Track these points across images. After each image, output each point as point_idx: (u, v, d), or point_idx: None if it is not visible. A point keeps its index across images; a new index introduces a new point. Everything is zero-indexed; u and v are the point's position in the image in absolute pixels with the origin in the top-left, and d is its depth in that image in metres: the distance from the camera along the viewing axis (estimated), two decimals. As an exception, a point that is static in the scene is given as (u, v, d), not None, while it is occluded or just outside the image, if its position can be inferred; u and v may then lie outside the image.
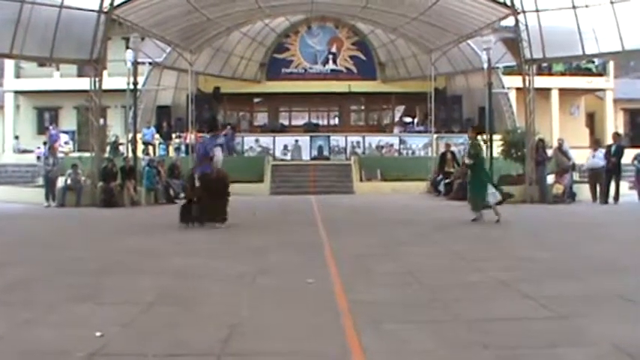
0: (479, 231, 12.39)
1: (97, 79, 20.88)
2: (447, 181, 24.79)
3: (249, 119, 39.54)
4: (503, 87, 32.31)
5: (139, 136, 25.89)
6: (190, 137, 29.52)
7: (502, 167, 22.70)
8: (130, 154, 22.89)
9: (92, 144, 21.40)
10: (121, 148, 29.18)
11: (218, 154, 13.19)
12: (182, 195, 24.33)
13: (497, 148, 22.53)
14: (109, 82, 24.51)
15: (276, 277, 7.30)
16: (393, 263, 8.19)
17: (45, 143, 28.90)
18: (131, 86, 22.93)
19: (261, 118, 40.28)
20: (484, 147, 14.33)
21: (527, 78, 21.66)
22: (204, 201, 13.12)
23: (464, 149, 30.77)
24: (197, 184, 13.14)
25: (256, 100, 40.17)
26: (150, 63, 31.80)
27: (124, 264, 8.43)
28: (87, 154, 22.87)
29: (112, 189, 20.60)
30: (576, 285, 6.60)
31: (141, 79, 28.54)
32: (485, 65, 23.02)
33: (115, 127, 34.97)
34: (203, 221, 13.05)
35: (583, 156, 22.56)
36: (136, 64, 23.01)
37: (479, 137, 14.07)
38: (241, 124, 37.70)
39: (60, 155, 26.27)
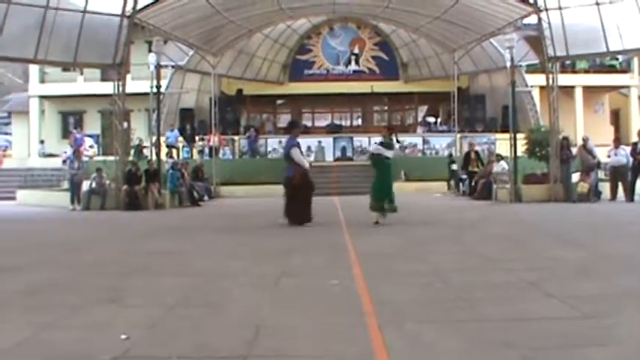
0: (504, 231, 12.33)
1: (120, 83, 21.02)
2: (463, 178, 24.79)
3: (272, 121, 39.62)
4: (527, 85, 32.12)
5: (162, 139, 26.03)
6: (214, 140, 29.64)
7: (526, 166, 22.56)
8: (154, 157, 23.01)
9: (116, 147, 21.55)
10: (145, 152, 29.33)
11: (295, 154, 13.57)
12: (206, 197, 24.65)
13: (521, 147, 22.39)
14: (132, 85, 24.70)
15: (300, 278, 7.29)
16: (417, 263, 8.15)
17: (71, 146, 29.08)
18: (154, 89, 23.07)
19: (285, 120, 40.30)
20: (396, 146, 14.23)
21: (550, 76, 21.51)
22: (291, 204, 13.54)
23: (487, 148, 30.85)
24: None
25: (279, 101, 40.27)
26: (172, 66, 31.99)
27: (148, 266, 8.46)
28: (111, 158, 23.04)
29: (136, 192, 20.73)
30: (603, 284, 6.53)
31: (164, 83, 28.68)
32: (509, 64, 22.89)
33: (139, 130, 35.25)
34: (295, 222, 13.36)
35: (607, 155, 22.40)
36: (158, 67, 23.15)
37: (392, 136, 13.88)
38: (265, 126, 37.78)
39: (85, 159, 26.49)
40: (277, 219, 13.65)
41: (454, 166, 26.99)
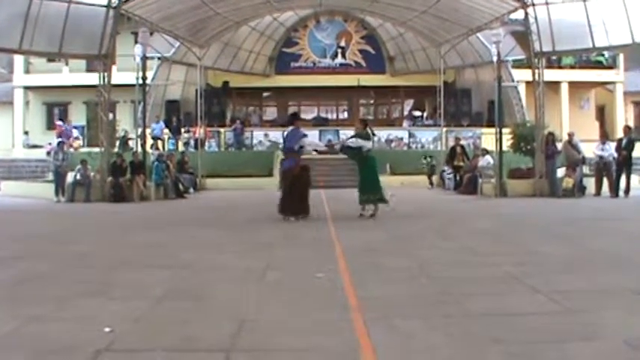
0: (489, 226, 12.37)
1: (105, 74, 20.88)
2: (449, 172, 24.89)
3: (258, 113, 39.56)
4: (513, 80, 32.20)
5: (148, 130, 25.91)
6: (199, 132, 29.56)
7: (511, 161, 22.66)
8: (139, 149, 22.92)
9: (101, 139, 21.42)
10: (130, 143, 29.25)
11: (309, 142, 13.92)
12: (191, 190, 24.61)
13: (507, 142, 22.46)
14: (118, 77, 24.55)
15: (285, 271, 7.29)
16: (403, 258, 8.17)
17: (59, 137, 28.86)
18: (140, 81, 22.93)
19: (271, 113, 40.30)
20: (373, 139, 14.33)
21: (536, 71, 21.57)
22: (291, 196, 13.40)
23: (473, 143, 30.94)
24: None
25: (265, 94, 40.20)
26: (159, 58, 31.85)
27: (134, 259, 8.44)
28: (96, 149, 22.92)
29: (121, 184, 20.64)
30: (587, 279, 6.57)
31: (150, 74, 28.52)
32: (495, 58, 22.92)
33: (124, 122, 35.09)
34: (292, 214, 13.31)
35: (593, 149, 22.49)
36: (144, 58, 23.00)
37: (367, 129, 13.93)
38: (251, 119, 37.71)
39: (70, 150, 26.32)
40: (286, 218, 13.48)
41: (431, 160, 27.21)
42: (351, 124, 35.22)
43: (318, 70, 37.49)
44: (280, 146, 13.96)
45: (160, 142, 30.32)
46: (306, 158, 14.70)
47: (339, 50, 37.77)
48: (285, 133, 14.05)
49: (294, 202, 13.31)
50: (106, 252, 9.15)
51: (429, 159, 27.55)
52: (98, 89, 21.09)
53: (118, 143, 29.55)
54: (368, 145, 13.72)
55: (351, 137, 14.35)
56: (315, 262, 7.81)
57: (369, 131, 13.99)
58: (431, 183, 26.84)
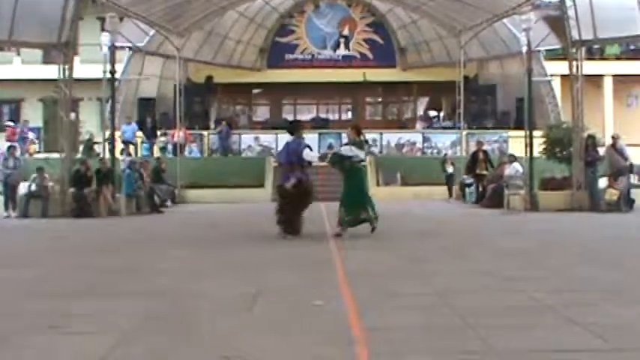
0: (518, 245, 12.32)
1: (66, 66, 20.80)
2: (469, 182, 24.84)
3: (247, 114, 39.57)
4: (546, 74, 32.19)
5: (117, 133, 25.91)
6: (178, 135, 29.55)
7: (544, 169, 22.62)
8: (107, 155, 22.88)
9: (61, 143, 21.32)
10: (97, 148, 29.19)
11: (310, 156, 13.73)
12: (169, 203, 24.57)
13: (539, 147, 22.43)
14: (82, 70, 24.56)
15: (278, 298, 7.25)
16: (416, 283, 8.13)
17: (10, 141, 28.74)
18: (108, 75, 22.92)
19: (262, 113, 40.33)
20: (367, 149, 14.37)
21: (574, 63, 21.52)
22: (289, 212, 13.47)
23: (498, 148, 30.93)
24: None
25: (256, 91, 40.25)
26: (130, 48, 31.81)
27: (100, 285, 8.39)
28: (55, 156, 22.81)
29: (86, 196, 20.57)
30: (637, 311, 6.51)
31: (119, 67, 28.53)
32: (525, 49, 22.93)
33: (89, 123, 34.98)
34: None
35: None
36: (113, 49, 22.99)
37: (362, 137, 13.94)
38: (239, 120, 37.69)
39: (23, 156, 26.16)
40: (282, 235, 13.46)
41: (449, 169, 27.09)
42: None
43: (317, 64, 37.52)
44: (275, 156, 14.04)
45: (131, 147, 30.27)
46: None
47: (342, 40, 37.81)
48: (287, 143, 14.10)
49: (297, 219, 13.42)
50: (64, 277, 9.09)
51: (451, 167, 27.35)
52: (57, 84, 21.03)
53: (81, 148, 29.52)
54: (361, 155, 13.72)
55: (345, 144, 14.38)
56: (314, 288, 7.77)
57: (363, 139, 14.02)
58: (450, 195, 26.78)
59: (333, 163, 14.13)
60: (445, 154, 29.23)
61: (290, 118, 38.12)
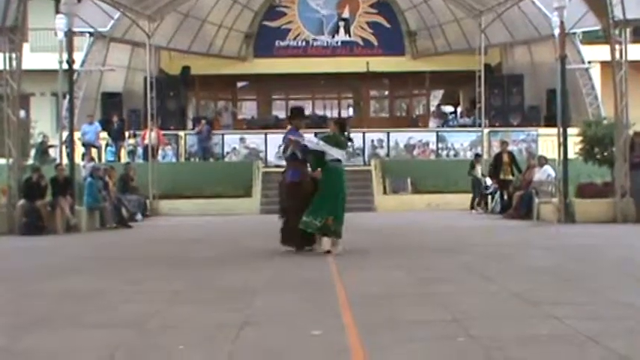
0: (550, 263, 12.30)
1: (13, 54, 20.75)
2: (491, 189, 24.82)
3: (231, 111, 39.61)
4: (583, 61, 32.24)
5: (77, 135, 25.87)
6: (150, 136, 29.52)
7: (581, 173, 22.62)
8: (65, 161, 22.84)
9: (8, 146, 21.26)
10: (52, 153, 29.16)
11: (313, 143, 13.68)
12: (139, 216, 24.53)
13: (574, 147, 22.43)
14: (32, 59, 24.55)
15: (269, 328, 7.21)
16: (430, 308, 8.10)
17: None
18: (64, 66, 22.89)
19: (248, 110, 40.40)
20: (350, 148, 14.33)
21: (617, 47, 21.52)
22: (292, 217, 13.59)
23: (526, 149, 30.93)
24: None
25: (240, 84, 40.31)
26: (91, 34, 31.84)
27: (53, 314, 8.33)
28: (1, 161, 22.77)
29: (39, 209, 20.51)
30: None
31: (78, 57, 28.51)
32: (557, 31, 22.93)
33: (43, 122, 34.98)
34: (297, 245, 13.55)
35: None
36: (70, 34, 22.96)
37: (344, 134, 13.91)
38: (221, 118, 37.69)
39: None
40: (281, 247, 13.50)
41: (479, 173, 26.92)
42: (358, 125, 35.51)
43: (312, 52, 37.62)
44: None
45: (94, 151, 30.28)
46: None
47: (342, 24, 37.90)
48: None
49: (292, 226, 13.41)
50: (13, 305, 9.04)
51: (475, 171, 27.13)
52: (2, 76, 20.97)
53: (33, 152, 29.49)
54: (336, 154, 13.57)
55: (320, 138, 14.29)
56: (311, 315, 7.75)
57: (346, 137, 13.96)
58: (476, 204, 26.54)
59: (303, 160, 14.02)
60: (476, 155, 28.77)
61: (281, 115, 38.30)
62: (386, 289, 9.54)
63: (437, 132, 33.87)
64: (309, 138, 14.25)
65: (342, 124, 14.30)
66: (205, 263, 13.01)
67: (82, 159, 27.71)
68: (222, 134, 33.99)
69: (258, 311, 8.15)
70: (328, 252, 13.41)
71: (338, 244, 13.47)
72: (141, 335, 7.05)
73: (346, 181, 13.93)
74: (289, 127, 14.25)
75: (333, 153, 13.46)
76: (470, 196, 26.92)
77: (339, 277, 10.60)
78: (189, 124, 34.99)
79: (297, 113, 14.93)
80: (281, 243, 13.58)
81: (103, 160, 30.28)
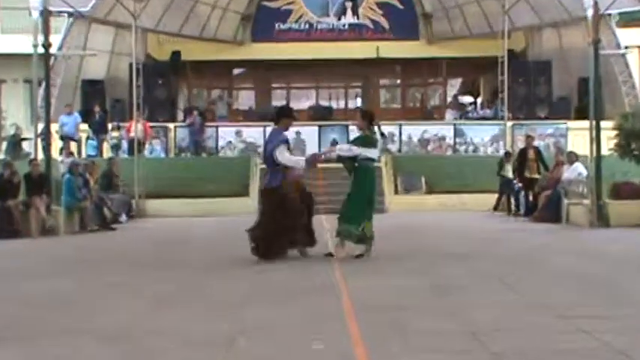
0: (579, 271, 12.29)
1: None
2: (516, 188, 24.77)
3: (226, 101, 39.60)
4: (619, 46, 32.17)
5: (54, 127, 25.87)
6: (136, 129, 29.48)
7: (616, 171, 22.57)
8: (40, 156, 22.84)
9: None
10: (26, 146, 29.17)
11: (282, 156, 13.52)
12: (123, 217, 24.54)
13: (608, 142, 22.41)
14: (3, 42, 24.50)
15: (265, 340, 7.24)
16: (445, 319, 8.10)
17: None
18: (40, 50, 22.88)
19: (246, 100, 40.40)
20: (382, 144, 14.31)
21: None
22: (269, 226, 13.56)
23: (554, 144, 30.89)
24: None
25: (237, 71, 40.30)
26: (70, 14, 31.80)
27: (24, 321, 8.36)
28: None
29: (11, 210, 20.53)
30: None
31: (56, 39, 28.51)
32: (590, 12, 22.91)
33: (15, 113, 35.01)
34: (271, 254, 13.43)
35: None
36: (47, 14, 22.94)
37: (375, 128, 13.89)
38: (215, 109, 37.66)
39: None
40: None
41: (509, 172, 26.73)
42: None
43: (316, 36, 37.61)
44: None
45: (73, 145, 30.26)
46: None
47: (349, 4, 37.87)
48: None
49: (272, 236, 13.41)
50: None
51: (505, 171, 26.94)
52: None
53: (5, 146, 29.50)
54: (372, 153, 13.69)
55: (351, 143, 14.37)
56: (312, 325, 7.76)
57: (377, 132, 13.95)
58: (497, 207, 26.41)
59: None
60: (507, 152, 28.44)
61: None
62: (396, 297, 9.55)
63: (454, 125, 33.82)
64: (341, 147, 14.46)
65: (369, 116, 14.22)
66: (196, 267, 13.02)
67: (60, 153, 27.73)
68: (217, 127, 33.94)
69: (254, 320, 8.16)
70: (330, 255, 13.56)
71: (368, 248, 13.58)
72: (121, 346, 7.05)
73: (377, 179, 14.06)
74: (275, 127, 14.25)
75: (368, 154, 13.60)
76: (495, 196, 26.85)
77: (345, 283, 10.61)
78: (180, 116, 34.99)
79: (285, 113, 14.94)
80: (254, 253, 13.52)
81: (84, 154, 30.23)
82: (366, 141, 13.68)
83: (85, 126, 31.67)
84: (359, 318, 8.09)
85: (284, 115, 14.55)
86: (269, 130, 31.94)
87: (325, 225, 18.87)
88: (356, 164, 13.61)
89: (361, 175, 13.69)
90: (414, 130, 33.18)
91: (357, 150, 13.52)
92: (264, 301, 9.50)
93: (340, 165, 14.37)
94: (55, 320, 8.49)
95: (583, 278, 11.40)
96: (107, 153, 30.94)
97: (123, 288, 10.95)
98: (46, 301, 9.78)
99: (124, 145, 31.35)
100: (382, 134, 14.38)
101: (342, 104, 39.64)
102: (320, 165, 15.16)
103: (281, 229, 13.42)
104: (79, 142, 31.03)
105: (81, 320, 8.40)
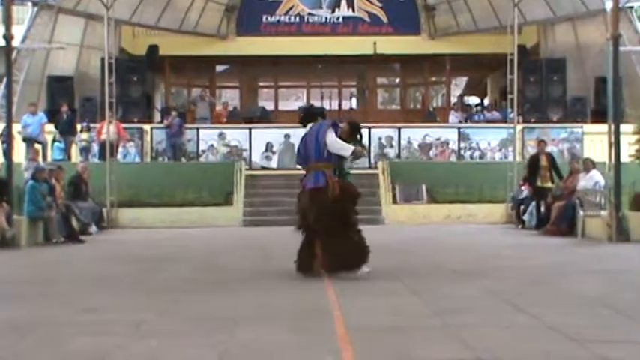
0: (598, 291, 12.28)
1: None
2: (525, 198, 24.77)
3: (208, 100, 39.60)
4: (641, 42, 32.29)
5: (16, 128, 25.85)
6: (109, 130, 29.46)
7: (637, 180, 22.59)
8: (0, 159, 22.80)
9: None
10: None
11: (335, 142, 13.22)
12: (93, 228, 24.50)
13: (629, 148, 22.45)
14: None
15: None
16: (450, 344, 8.10)
17: None
18: (1, 42, 22.87)
19: (230, 98, 40.43)
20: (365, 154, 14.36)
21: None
22: (320, 235, 13.36)
23: (568, 150, 30.95)
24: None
25: (220, 67, 40.36)
26: (35, 3, 31.82)
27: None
28: None
29: (-31, 220, 20.54)
30: None
31: (19, 31, 28.49)
32: (609, 5, 22.97)
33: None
34: (330, 269, 13.29)
35: None
36: (9, 3, 22.94)
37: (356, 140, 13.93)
38: (196, 109, 37.68)
39: None
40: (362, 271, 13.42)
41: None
42: (363, 119, 35.39)
43: (308, 30, 37.71)
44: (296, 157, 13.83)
45: (38, 148, 30.22)
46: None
47: (344, -4, 37.95)
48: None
49: (343, 247, 13.22)
50: None
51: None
52: None
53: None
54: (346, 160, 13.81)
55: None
56: (303, 351, 7.76)
57: (358, 142, 13.97)
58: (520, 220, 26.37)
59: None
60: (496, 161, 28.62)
61: (269, 106, 38.35)
62: (394, 319, 9.54)
63: (459, 129, 33.87)
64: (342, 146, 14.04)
65: (357, 128, 14.16)
66: (176, 286, 12.99)
67: (27, 158, 27.71)
68: (197, 129, 33.96)
69: (240, 345, 8.15)
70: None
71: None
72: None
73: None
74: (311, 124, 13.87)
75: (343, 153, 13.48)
76: (502, 206, 26.90)
77: (338, 304, 10.60)
78: (157, 116, 35.03)
79: (319, 112, 14.77)
80: (298, 270, 13.48)
81: (49, 159, 30.24)
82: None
83: (51, 127, 31.65)
84: (353, 341, 8.09)
85: (311, 117, 14.32)
86: (255, 132, 32.42)
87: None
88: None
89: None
90: (414, 134, 33.24)
91: (348, 147, 13.45)
92: (252, 323, 9.47)
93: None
94: (12, 347, 8.43)
95: (600, 299, 11.39)
96: (76, 157, 30.93)
97: (95, 310, 10.91)
98: (7, 325, 9.71)
99: (95, 148, 31.37)
100: (363, 146, 14.40)
101: (335, 105, 39.60)
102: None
103: (340, 234, 13.18)
104: (44, 144, 30.98)
105: (45, 347, 8.35)
